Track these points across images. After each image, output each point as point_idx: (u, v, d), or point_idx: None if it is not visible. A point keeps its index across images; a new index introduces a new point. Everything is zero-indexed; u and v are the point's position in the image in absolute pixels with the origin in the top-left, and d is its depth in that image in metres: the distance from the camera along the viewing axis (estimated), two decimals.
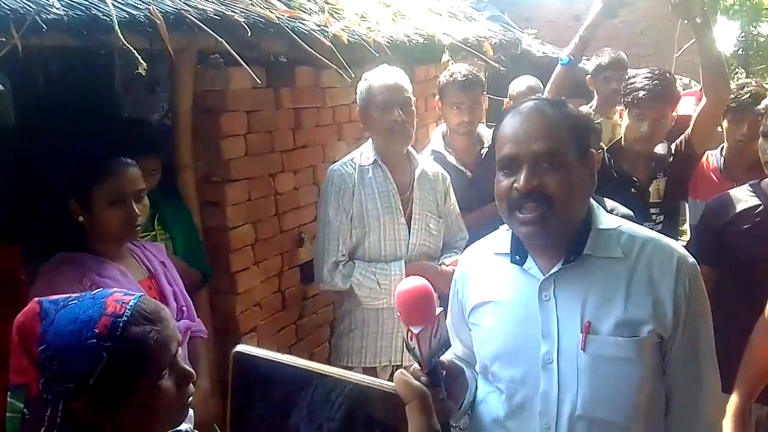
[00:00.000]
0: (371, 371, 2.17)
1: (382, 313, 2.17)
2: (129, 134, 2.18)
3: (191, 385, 0.98)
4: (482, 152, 2.62)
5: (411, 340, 1.02)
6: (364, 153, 2.19)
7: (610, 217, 1.25)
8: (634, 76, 2.34)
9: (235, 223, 2.44)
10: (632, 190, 2.31)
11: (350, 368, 2.18)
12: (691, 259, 1.18)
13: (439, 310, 1.05)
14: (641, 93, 2.21)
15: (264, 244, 2.60)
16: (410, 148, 2.23)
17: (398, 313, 1.06)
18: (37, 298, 0.92)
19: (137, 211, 1.60)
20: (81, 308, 0.89)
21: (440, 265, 2.19)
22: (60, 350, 0.86)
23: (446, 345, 1.06)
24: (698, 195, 2.56)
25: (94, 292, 0.96)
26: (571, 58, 2.57)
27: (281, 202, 2.67)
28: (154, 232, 2.16)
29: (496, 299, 1.25)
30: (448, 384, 1.10)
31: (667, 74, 2.31)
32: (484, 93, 2.63)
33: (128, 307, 0.91)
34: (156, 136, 2.34)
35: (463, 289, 1.34)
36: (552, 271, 1.17)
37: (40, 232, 2.03)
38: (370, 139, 2.21)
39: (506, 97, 3.43)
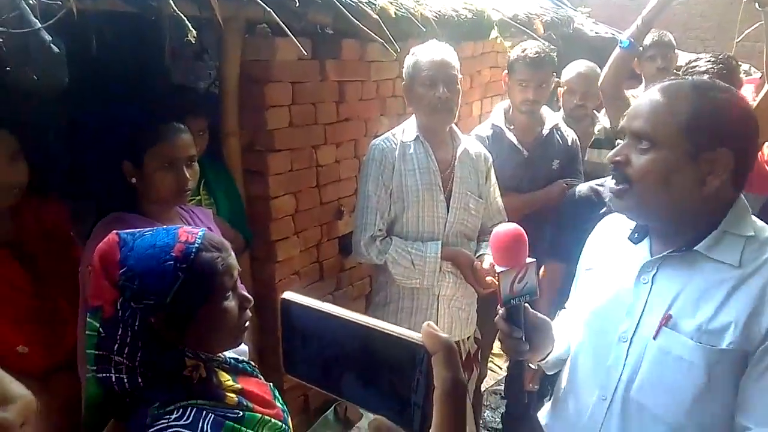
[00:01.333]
0: None
1: (417, 290, 2.17)
2: (177, 98, 2.23)
3: (248, 311, 1.09)
4: (543, 133, 2.58)
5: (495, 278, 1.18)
6: (407, 129, 2.18)
7: (755, 224, 1.14)
8: (695, 60, 2.25)
9: (277, 192, 2.48)
10: None
11: None
12: None
13: (530, 260, 1.17)
14: (705, 78, 2.12)
15: (304, 214, 2.64)
16: (453, 125, 2.21)
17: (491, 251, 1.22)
18: (114, 231, 1.04)
19: (187, 176, 1.65)
20: (157, 237, 1.01)
21: (477, 256, 2.17)
22: (141, 271, 0.97)
23: (531, 293, 1.18)
24: (753, 189, 2.44)
25: (164, 226, 1.09)
26: (632, 41, 2.47)
27: (322, 174, 2.70)
28: (199, 197, 2.22)
29: (604, 269, 1.30)
30: (530, 330, 1.22)
31: (731, 59, 2.21)
32: (554, 74, 2.58)
33: (198, 236, 1.03)
34: (203, 100, 2.39)
35: (586, 252, 1.41)
36: (657, 256, 1.18)
37: (90, 192, 2.11)
38: (414, 114, 2.20)
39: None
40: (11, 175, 1.56)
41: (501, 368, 3.66)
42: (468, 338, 2.33)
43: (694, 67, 2.20)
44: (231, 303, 1.06)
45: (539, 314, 1.29)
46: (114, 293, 0.97)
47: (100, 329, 0.97)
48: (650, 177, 1.11)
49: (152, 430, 0.92)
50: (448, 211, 2.15)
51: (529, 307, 1.22)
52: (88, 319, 0.98)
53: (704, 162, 1.07)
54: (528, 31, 3.57)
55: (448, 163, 2.18)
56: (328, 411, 2.96)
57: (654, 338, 1.13)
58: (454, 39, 3.06)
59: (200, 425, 0.95)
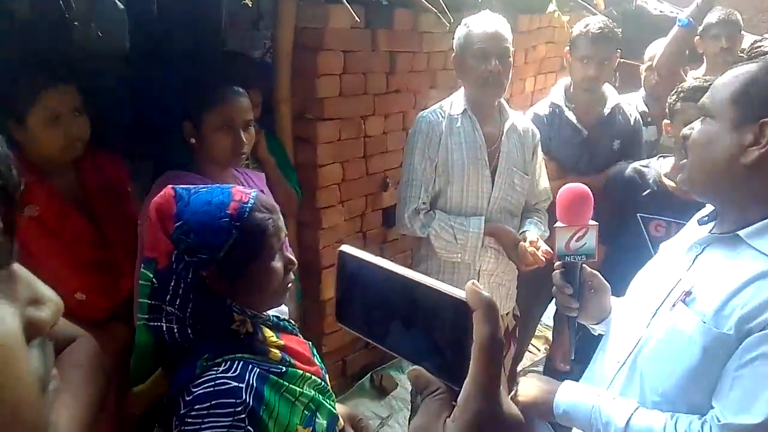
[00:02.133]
0: None
1: (458, 264, 2.18)
2: (233, 68, 2.27)
3: (291, 273, 1.13)
4: (604, 112, 2.50)
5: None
6: (455, 102, 2.16)
7: None
8: (761, 40, 2.12)
9: (325, 161, 2.52)
10: None
11: None
12: None
13: (592, 223, 1.25)
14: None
15: (350, 184, 2.67)
16: (502, 100, 2.17)
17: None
18: (170, 185, 1.08)
19: (244, 139, 1.69)
20: (213, 194, 1.05)
21: (520, 233, 2.16)
22: (197, 225, 1.01)
23: (588, 254, 1.26)
24: None
25: (218, 184, 1.13)
26: (690, 20, 2.35)
27: (369, 145, 2.72)
28: (247, 162, 2.27)
29: (670, 246, 1.34)
30: (584, 290, 1.30)
31: None
32: (618, 51, 2.47)
33: (251, 196, 1.07)
34: (259, 70, 2.43)
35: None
36: (705, 236, 1.18)
37: (148, 152, 2.19)
38: (462, 87, 2.17)
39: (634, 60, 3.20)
40: (75, 128, 1.63)
41: (539, 350, 3.64)
42: (507, 314, 2.33)
43: (759, 47, 2.08)
44: (278, 264, 1.09)
45: (600, 277, 1.33)
46: (169, 245, 1.01)
47: (154, 280, 1.01)
48: (696, 146, 1.14)
49: (201, 380, 0.96)
50: (492, 187, 2.13)
51: (587, 267, 1.29)
52: (142, 270, 1.03)
53: (746, 132, 1.06)
54: (588, 5, 3.45)
55: (495, 138, 2.15)
56: (365, 378, 3.03)
57: (670, 310, 1.16)
58: (509, 11, 2.99)
59: (246, 378, 0.98)
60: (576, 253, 1.26)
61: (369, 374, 3.05)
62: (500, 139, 2.15)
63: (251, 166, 2.27)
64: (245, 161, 2.21)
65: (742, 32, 2.85)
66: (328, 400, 1.15)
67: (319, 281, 2.64)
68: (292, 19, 2.30)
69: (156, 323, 1.01)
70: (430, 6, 2.36)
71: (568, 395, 1.24)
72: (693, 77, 2.26)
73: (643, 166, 2.12)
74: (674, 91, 2.02)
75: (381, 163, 2.80)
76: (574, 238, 1.25)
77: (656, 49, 2.81)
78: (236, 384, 0.96)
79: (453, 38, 2.13)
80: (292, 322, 1.23)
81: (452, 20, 2.40)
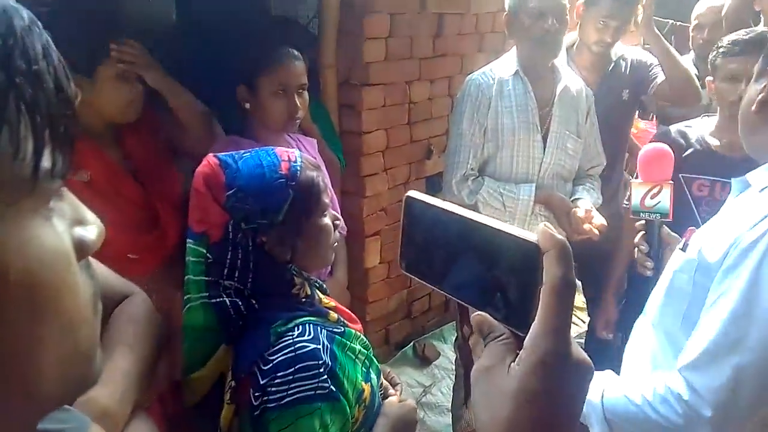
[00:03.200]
0: None
1: None
2: (280, 33, 2.23)
3: (336, 233, 1.11)
4: (609, 68, 2.33)
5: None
6: (505, 63, 2.07)
7: None
8: None
9: (369, 128, 2.48)
10: None
11: None
12: None
13: (668, 184, 1.29)
14: None
15: (394, 151, 2.63)
16: (555, 60, 2.07)
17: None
18: (211, 154, 1.04)
19: (298, 104, 1.66)
20: (260, 157, 1.02)
21: (573, 200, 2.07)
22: (253, 190, 0.98)
23: (662, 212, 1.28)
24: None
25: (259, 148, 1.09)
26: None
27: (414, 112, 2.66)
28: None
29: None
30: (660, 249, 1.29)
31: None
32: (636, 9, 2.26)
33: (297, 156, 1.04)
34: (305, 35, 2.39)
35: None
36: (736, 189, 1.16)
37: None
38: (514, 48, 2.08)
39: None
40: (136, 89, 1.62)
41: (584, 322, 3.57)
42: None
43: None
44: (328, 220, 1.08)
45: (679, 239, 1.29)
46: (223, 216, 0.97)
47: (208, 255, 0.97)
48: (743, 105, 1.13)
49: (277, 347, 0.94)
50: (544, 152, 2.06)
51: (666, 228, 1.30)
52: (191, 246, 0.98)
53: (763, 78, 1.07)
54: None
55: (547, 101, 2.06)
56: (407, 347, 3.04)
57: (682, 249, 1.16)
58: None
59: (321, 339, 0.97)
60: (651, 211, 1.28)
61: (412, 343, 3.05)
62: (553, 101, 2.06)
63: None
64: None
65: None
66: (373, 355, 1.14)
67: (362, 249, 2.62)
68: None
69: (218, 299, 0.96)
70: None
71: None
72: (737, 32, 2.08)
73: (687, 126, 2.03)
74: (715, 46, 1.91)
75: (426, 130, 2.74)
76: (649, 195, 1.27)
77: (702, 8, 2.63)
78: (315, 346, 0.95)
79: None
80: (324, 283, 1.21)
81: None
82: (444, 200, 0.48)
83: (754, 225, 0.92)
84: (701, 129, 2.00)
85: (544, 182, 2.08)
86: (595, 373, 1.11)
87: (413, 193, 0.50)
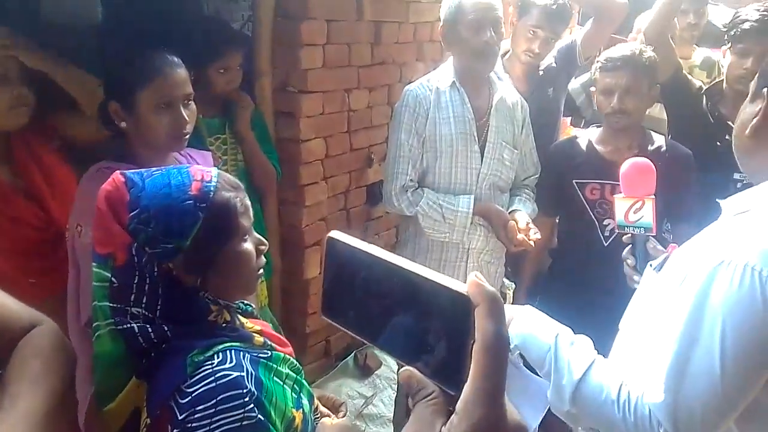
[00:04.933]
0: None
1: (446, 243, 2.12)
2: (214, 31, 2.14)
3: (263, 256, 1.05)
4: (540, 73, 2.41)
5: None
6: (442, 74, 2.07)
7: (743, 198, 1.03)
8: (741, 10, 2.08)
9: (308, 135, 2.43)
10: (727, 137, 2.11)
11: None
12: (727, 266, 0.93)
13: (648, 197, 1.30)
14: (746, 25, 1.98)
15: (334, 160, 2.59)
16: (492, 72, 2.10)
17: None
18: (118, 171, 0.96)
19: (185, 117, 1.46)
20: (170, 176, 0.94)
21: (510, 211, 2.10)
22: (158, 212, 0.91)
23: (645, 227, 1.29)
24: None
25: (175, 166, 1.01)
26: None
27: (354, 119, 2.63)
28: (224, 136, 2.16)
29: None
30: (647, 263, 1.25)
31: None
32: (569, 28, 2.37)
33: (213, 175, 0.97)
34: (239, 34, 2.30)
35: None
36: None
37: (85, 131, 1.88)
38: (450, 59, 2.08)
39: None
40: (11, 94, 1.47)
41: None
42: None
43: (738, 15, 2.06)
44: (249, 246, 1.00)
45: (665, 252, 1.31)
46: (126, 238, 0.90)
47: (112, 279, 0.90)
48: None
49: (196, 378, 0.87)
50: (482, 162, 2.07)
51: (655, 244, 1.30)
52: (95, 270, 0.91)
53: (757, 103, 1.02)
54: None
55: (484, 112, 2.07)
56: (348, 357, 2.99)
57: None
58: None
59: (245, 366, 0.91)
60: (635, 225, 1.31)
61: (353, 353, 3.01)
62: (489, 112, 2.08)
63: (230, 142, 2.17)
64: (217, 136, 2.11)
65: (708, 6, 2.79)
66: (305, 380, 1.09)
67: (302, 260, 2.57)
68: None
69: (126, 326, 0.89)
70: None
71: (524, 326, 1.11)
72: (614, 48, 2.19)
73: (575, 137, 2.17)
74: (596, 60, 2.04)
75: (365, 139, 2.72)
76: (632, 209, 1.29)
77: (644, 22, 2.75)
78: (238, 373, 0.89)
79: (440, 8, 2.03)
80: (251, 305, 1.14)
81: None
82: (367, 243, 0.44)
83: (712, 251, 0.91)
84: (589, 137, 2.10)
85: (482, 192, 2.09)
86: (578, 344, 1.05)
87: (336, 234, 0.46)
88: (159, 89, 1.42)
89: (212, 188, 0.94)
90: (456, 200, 2.03)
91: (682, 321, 0.90)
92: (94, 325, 0.91)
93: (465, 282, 0.40)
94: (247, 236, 1.00)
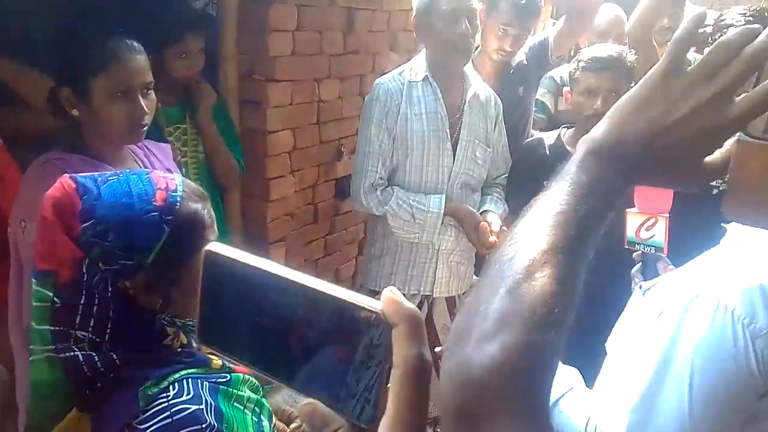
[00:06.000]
0: None
1: (416, 243, 2.06)
2: (174, 11, 1.99)
3: None
4: (510, 71, 2.34)
5: None
6: (415, 67, 1.99)
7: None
8: (725, 13, 2.05)
9: (275, 127, 2.31)
10: None
11: (377, 293, 2.10)
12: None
13: (662, 214, 1.24)
14: (729, 30, 1.95)
15: (302, 153, 2.48)
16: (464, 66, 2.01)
17: None
18: (67, 176, 0.85)
19: (144, 108, 1.37)
20: (129, 183, 0.84)
21: (481, 212, 2.05)
22: (117, 224, 0.81)
23: (656, 246, 1.25)
24: None
25: (132, 170, 0.91)
26: None
27: (323, 111, 2.52)
28: (185, 126, 2.03)
29: None
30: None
31: (765, 12, 2.01)
32: (538, 20, 2.31)
33: (177, 183, 0.87)
34: (201, 15, 2.15)
35: None
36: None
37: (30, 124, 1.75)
38: (423, 51, 2.00)
39: None
40: None
41: None
42: (464, 293, 2.24)
43: (722, 19, 2.03)
44: None
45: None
46: (75, 252, 0.80)
47: (54, 299, 0.80)
48: None
49: (150, 413, 0.79)
50: (454, 161, 2.01)
51: (666, 264, 1.26)
52: (35, 288, 0.81)
53: None
54: None
55: (457, 108, 2.01)
56: None
57: None
58: None
59: (203, 397, 0.83)
60: (646, 243, 1.27)
61: None
62: (462, 108, 2.01)
63: (190, 132, 2.03)
64: (176, 125, 1.97)
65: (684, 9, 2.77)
66: (263, 399, 1.02)
67: (266, 257, 2.44)
68: None
69: (69, 353, 0.79)
70: None
71: None
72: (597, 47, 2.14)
73: (546, 138, 2.12)
74: (574, 59, 1.99)
75: (336, 131, 2.62)
76: (644, 227, 1.26)
77: (602, 17, 2.66)
78: (196, 407, 0.80)
79: None
80: None
81: None
82: (245, 256, 0.38)
83: (691, 284, 0.85)
84: (560, 137, 2.06)
85: (454, 191, 2.04)
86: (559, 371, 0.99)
87: (215, 247, 0.39)
88: (116, 76, 1.32)
89: (178, 198, 0.85)
90: (427, 200, 1.97)
91: (654, 355, 0.85)
92: (30, 347, 0.81)
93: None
94: None
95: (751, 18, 1.95)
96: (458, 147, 2.01)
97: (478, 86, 2.07)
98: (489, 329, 0.45)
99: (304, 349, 0.35)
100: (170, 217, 0.83)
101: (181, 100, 2.02)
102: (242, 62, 2.22)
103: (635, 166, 0.51)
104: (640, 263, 1.30)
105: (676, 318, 0.83)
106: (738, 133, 0.52)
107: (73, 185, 0.83)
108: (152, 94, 1.42)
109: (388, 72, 2.05)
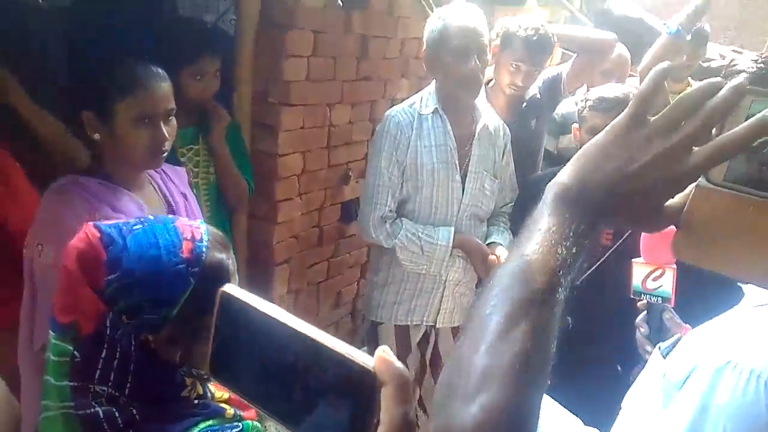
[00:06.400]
0: (402, 329, 2.08)
1: (423, 274, 2.05)
2: (192, 32, 1.99)
3: None
4: (523, 105, 2.38)
5: None
6: (425, 100, 2.00)
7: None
8: (738, 56, 2.09)
9: (286, 150, 2.31)
10: None
11: (379, 324, 2.09)
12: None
13: (671, 267, 1.21)
14: (741, 76, 1.98)
15: (310, 176, 2.48)
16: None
17: None
18: (91, 224, 0.83)
19: (166, 134, 1.37)
20: (156, 233, 0.82)
21: (488, 243, 2.05)
22: (144, 277, 0.79)
23: (663, 296, 1.22)
24: None
25: (156, 216, 0.90)
26: (680, 28, 2.28)
27: (334, 135, 2.53)
28: (197, 147, 2.03)
29: None
30: (662, 333, 1.22)
31: None
32: (550, 57, 2.34)
33: (202, 232, 0.86)
34: (218, 36, 2.16)
35: None
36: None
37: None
38: (433, 83, 2.01)
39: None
40: None
41: None
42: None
43: (736, 64, 2.06)
44: None
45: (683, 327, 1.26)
46: (99, 305, 0.78)
47: (75, 353, 0.77)
48: None
49: None
50: (463, 193, 2.01)
51: (672, 315, 1.23)
52: (54, 341, 0.79)
53: None
54: (565, 2, 3.36)
55: (466, 140, 2.02)
56: None
57: None
58: (486, 3, 2.85)
59: None
60: (652, 293, 1.24)
61: None
62: (472, 140, 2.02)
63: (202, 153, 2.03)
64: (189, 146, 1.97)
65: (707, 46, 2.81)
66: None
67: (271, 277, 2.45)
68: None
69: (88, 410, 0.76)
70: None
71: None
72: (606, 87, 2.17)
73: (554, 173, 2.10)
74: (582, 97, 2.01)
75: (345, 155, 2.63)
76: (651, 277, 1.23)
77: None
78: None
79: (424, 29, 1.94)
80: None
81: (433, 7, 2.23)
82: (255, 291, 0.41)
83: (721, 348, 0.84)
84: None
85: (462, 223, 2.04)
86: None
87: (230, 289, 0.42)
88: (140, 102, 1.33)
89: (204, 249, 0.83)
90: (435, 233, 1.97)
91: (682, 421, 0.84)
92: (43, 403, 0.78)
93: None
94: None
95: (762, 65, 1.98)
96: (467, 179, 2.01)
97: (488, 117, 2.08)
98: (470, 389, 0.47)
99: (303, 394, 0.37)
100: (196, 269, 0.82)
101: (194, 121, 2.01)
102: (257, 85, 2.22)
103: (599, 211, 0.54)
104: (645, 312, 1.29)
105: (706, 383, 0.82)
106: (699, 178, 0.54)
107: (98, 235, 0.81)
108: (173, 121, 1.43)
109: (398, 98, 2.06)
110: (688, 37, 2.44)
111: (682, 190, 0.54)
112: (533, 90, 2.40)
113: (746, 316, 0.91)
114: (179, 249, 0.81)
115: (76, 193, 1.32)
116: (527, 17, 2.35)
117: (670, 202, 0.55)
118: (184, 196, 1.59)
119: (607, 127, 0.56)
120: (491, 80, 2.37)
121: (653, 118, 0.53)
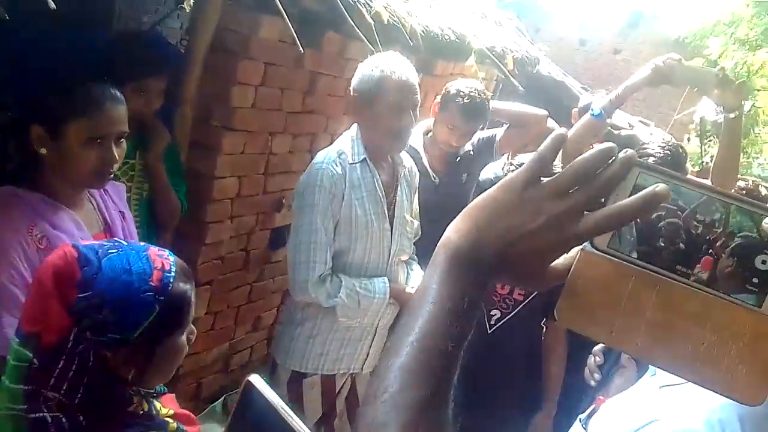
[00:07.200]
0: (329, 379, 2.03)
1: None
2: (144, 51, 1.97)
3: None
4: (458, 159, 2.53)
5: None
6: (350, 148, 1.93)
7: None
8: (648, 143, 2.34)
9: (223, 173, 2.32)
10: None
11: (304, 375, 2.00)
12: None
13: None
14: (650, 160, 2.23)
15: (244, 200, 2.50)
16: None
17: None
18: (69, 243, 0.89)
19: (116, 156, 1.36)
20: (128, 258, 0.88)
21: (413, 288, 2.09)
22: (113, 300, 0.84)
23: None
24: None
25: (128, 242, 0.95)
26: (602, 112, 2.53)
27: (272, 163, 2.56)
28: (133, 162, 2.00)
29: None
30: (611, 366, 1.30)
31: (680, 149, 2.32)
32: (486, 121, 2.50)
33: (171, 262, 0.92)
34: (169, 54, 2.14)
35: None
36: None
37: None
38: (355, 128, 1.95)
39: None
40: None
41: None
42: None
43: (645, 148, 2.31)
44: (184, 337, 0.96)
45: (633, 372, 1.31)
46: (66, 320, 0.82)
47: (34, 360, 0.81)
48: None
49: None
50: (392, 240, 2.01)
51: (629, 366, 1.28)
52: (15, 347, 0.83)
53: None
54: (500, 64, 3.60)
55: (391, 187, 2.02)
56: (217, 402, 2.85)
57: None
58: (430, 53, 3.02)
59: None
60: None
61: (222, 397, 2.87)
62: (396, 187, 2.04)
63: (137, 168, 2.00)
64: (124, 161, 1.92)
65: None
66: None
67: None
68: (216, 17, 2.08)
69: (38, 414, 0.80)
70: (363, 37, 2.27)
71: None
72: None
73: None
74: (507, 161, 2.22)
75: (281, 182, 2.66)
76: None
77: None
78: None
79: (354, 75, 1.92)
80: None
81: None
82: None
83: (644, 411, 0.92)
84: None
85: (391, 270, 2.04)
86: None
87: (255, 380, 0.49)
88: (94, 124, 1.33)
89: (171, 279, 0.89)
90: (372, 285, 1.93)
91: None
92: (7, 406, 0.82)
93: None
94: (186, 328, 0.96)
95: (668, 151, 2.23)
96: (393, 225, 2.01)
97: (407, 160, 2.12)
98: None
99: None
100: (162, 298, 0.87)
101: (132, 136, 1.98)
102: (201, 107, 2.22)
103: (490, 271, 0.54)
104: (602, 360, 1.38)
105: None
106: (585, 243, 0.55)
107: (75, 255, 0.86)
108: (124, 143, 1.42)
109: (339, 133, 2.06)
110: (609, 120, 2.69)
111: (568, 252, 0.55)
112: (467, 146, 2.55)
113: (653, 397, 1.00)
114: (149, 278, 0.87)
115: (16, 206, 1.29)
116: (466, 80, 2.51)
117: (554, 263, 0.55)
118: (122, 215, 1.58)
119: (500, 183, 0.56)
120: (430, 131, 2.51)
121: (547, 180, 0.53)
